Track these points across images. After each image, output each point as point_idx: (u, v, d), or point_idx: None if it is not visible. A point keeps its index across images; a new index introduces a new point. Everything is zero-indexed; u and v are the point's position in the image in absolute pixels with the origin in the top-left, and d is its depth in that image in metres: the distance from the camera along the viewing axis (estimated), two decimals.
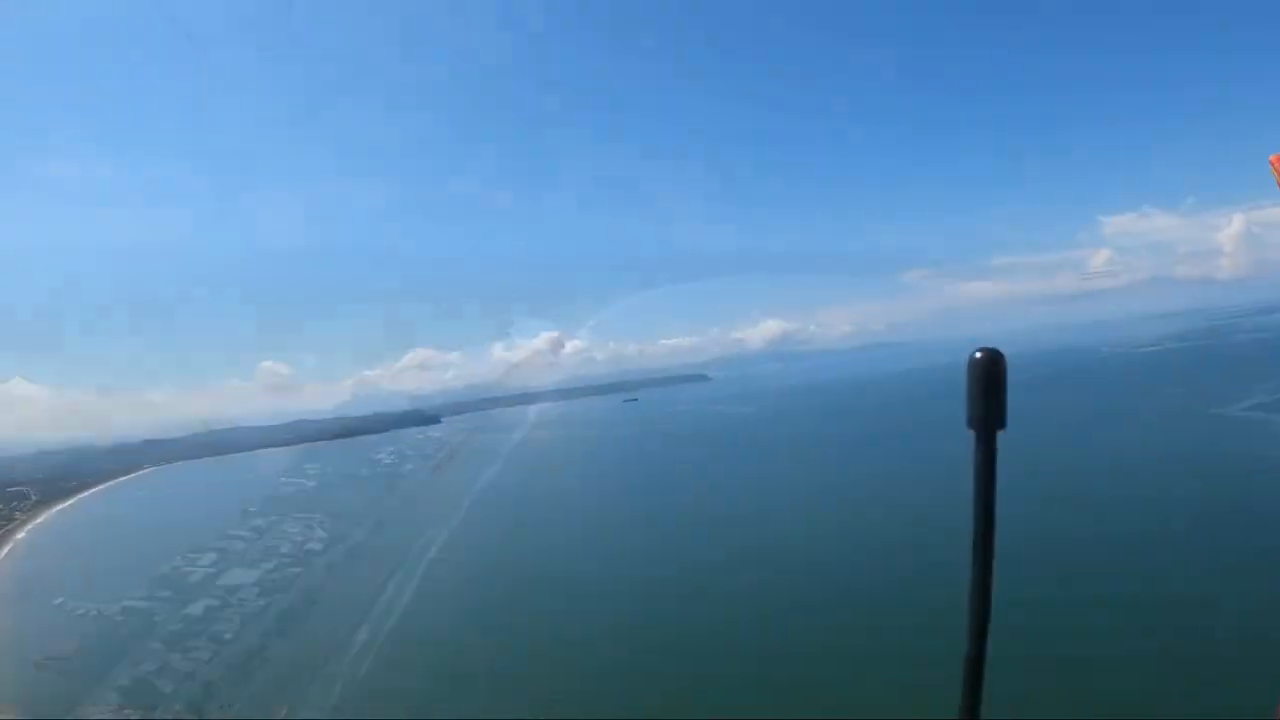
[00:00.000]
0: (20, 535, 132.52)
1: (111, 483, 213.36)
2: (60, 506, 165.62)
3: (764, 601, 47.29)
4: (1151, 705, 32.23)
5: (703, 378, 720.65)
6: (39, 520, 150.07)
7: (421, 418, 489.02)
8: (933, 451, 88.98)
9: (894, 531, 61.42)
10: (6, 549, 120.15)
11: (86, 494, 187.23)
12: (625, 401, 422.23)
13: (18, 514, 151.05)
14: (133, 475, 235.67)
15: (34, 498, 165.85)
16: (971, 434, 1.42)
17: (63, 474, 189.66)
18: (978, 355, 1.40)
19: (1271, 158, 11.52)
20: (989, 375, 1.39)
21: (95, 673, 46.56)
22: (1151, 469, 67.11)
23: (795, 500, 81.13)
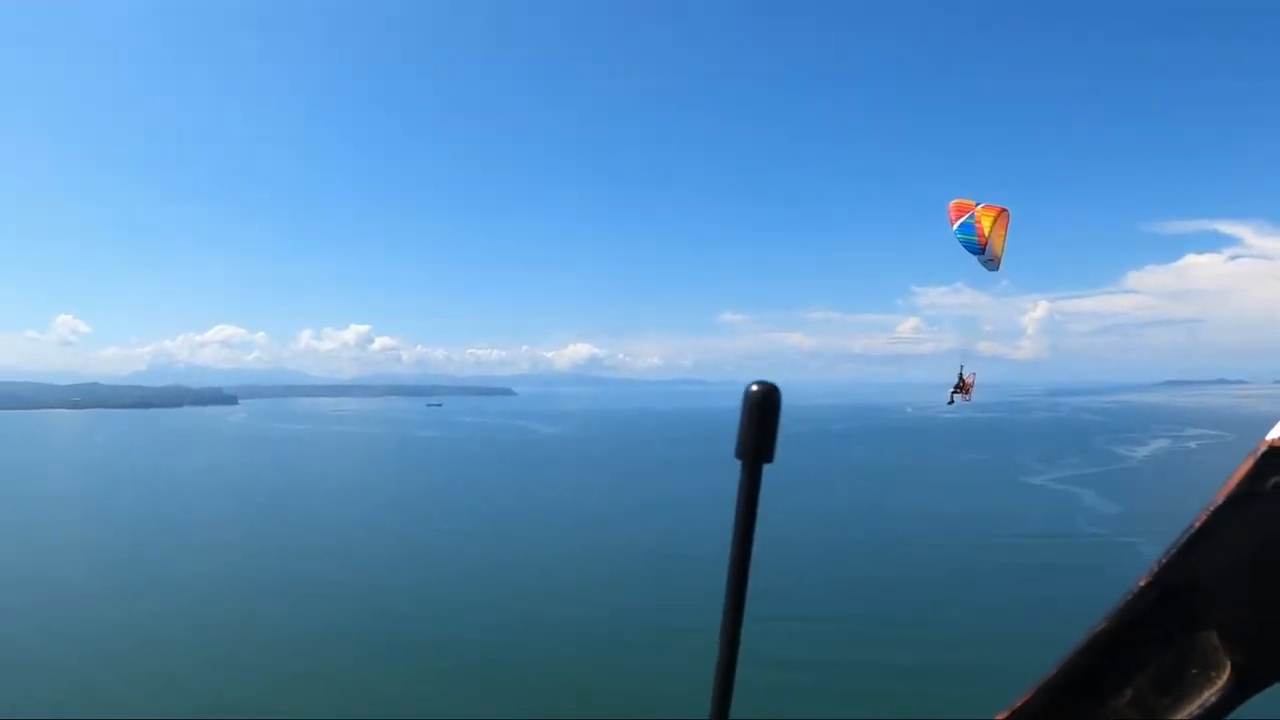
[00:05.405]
0: None
1: None
2: None
3: (521, 619, 48.26)
4: None
5: (508, 392, 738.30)
6: None
7: (220, 397, 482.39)
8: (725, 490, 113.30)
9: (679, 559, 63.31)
10: None
11: None
12: (429, 405, 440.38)
13: None
14: None
15: None
16: (739, 464, 1.35)
17: None
18: (754, 388, 1.35)
19: (950, 203, 20.84)
20: (762, 408, 1.35)
21: None
22: (973, 528, 73.18)
23: (586, 522, 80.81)
